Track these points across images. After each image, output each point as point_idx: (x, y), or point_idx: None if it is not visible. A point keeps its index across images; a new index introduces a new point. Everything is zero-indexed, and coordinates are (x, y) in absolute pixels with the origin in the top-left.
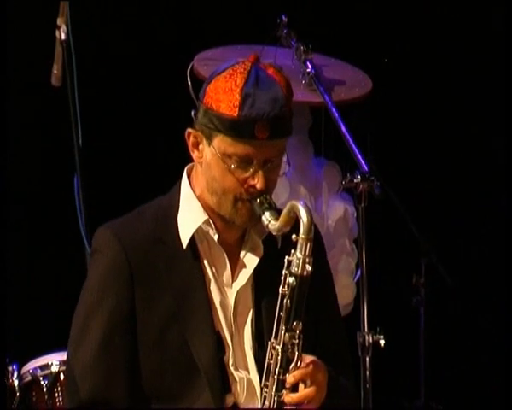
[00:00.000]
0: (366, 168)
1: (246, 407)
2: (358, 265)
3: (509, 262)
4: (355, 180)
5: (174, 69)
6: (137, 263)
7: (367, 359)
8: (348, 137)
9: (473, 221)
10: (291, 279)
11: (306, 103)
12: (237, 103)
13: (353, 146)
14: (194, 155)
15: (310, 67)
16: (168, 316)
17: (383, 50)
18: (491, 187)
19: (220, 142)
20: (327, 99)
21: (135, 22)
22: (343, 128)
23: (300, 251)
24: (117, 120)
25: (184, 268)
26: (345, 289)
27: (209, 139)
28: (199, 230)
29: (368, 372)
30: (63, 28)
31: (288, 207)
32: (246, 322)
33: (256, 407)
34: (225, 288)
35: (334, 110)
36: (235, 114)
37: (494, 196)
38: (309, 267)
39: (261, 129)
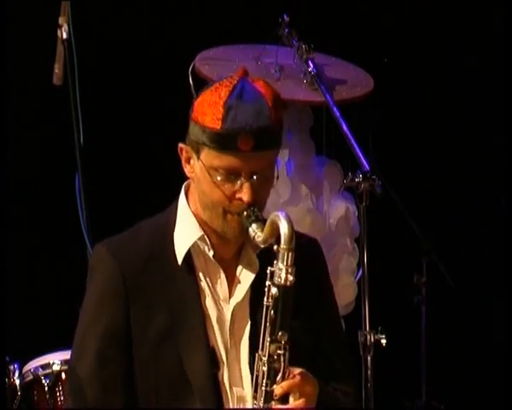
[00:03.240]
0: (367, 167)
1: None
2: (360, 264)
3: (510, 262)
4: (356, 179)
5: (176, 68)
6: (133, 280)
7: (368, 358)
8: (350, 136)
9: (473, 221)
10: (274, 290)
11: (308, 102)
12: (220, 116)
13: (355, 145)
14: (187, 169)
15: (311, 66)
16: (163, 332)
17: (384, 50)
18: (491, 187)
19: (207, 155)
20: (328, 98)
21: (136, 22)
22: (344, 127)
23: (282, 261)
24: (118, 119)
25: (180, 284)
26: (346, 289)
27: (197, 153)
28: (195, 246)
29: (369, 372)
30: (65, 27)
31: (270, 218)
32: (243, 337)
33: None
34: (222, 303)
35: (335, 109)
36: (219, 127)
37: (494, 196)
38: (291, 277)
39: (244, 141)
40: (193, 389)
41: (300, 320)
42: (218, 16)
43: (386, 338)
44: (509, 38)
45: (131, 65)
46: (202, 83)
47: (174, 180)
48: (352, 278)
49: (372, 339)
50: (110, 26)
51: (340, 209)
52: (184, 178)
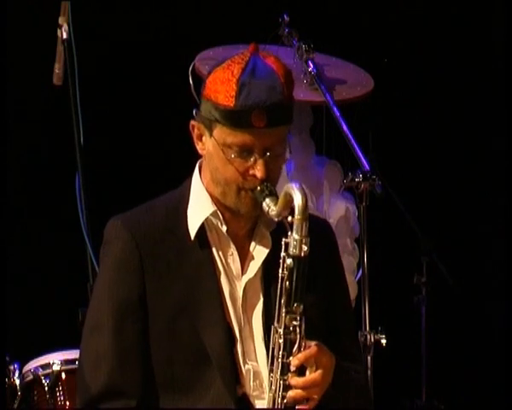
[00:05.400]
0: (367, 167)
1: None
2: (360, 264)
3: (510, 262)
4: (356, 179)
5: (176, 68)
6: (147, 252)
7: (368, 358)
8: (350, 136)
9: (473, 221)
10: (289, 261)
11: (308, 102)
12: (233, 93)
13: (355, 145)
14: (199, 146)
15: (311, 66)
16: (178, 305)
17: (384, 49)
18: (491, 187)
19: (220, 132)
20: (328, 98)
21: (136, 21)
22: (344, 127)
23: (297, 232)
24: (118, 118)
25: (195, 259)
26: None
27: (210, 130)
28: (208, 221)
29: (369, 371)
30: (65, 27)
31: (283, 190)
32: (256, 313)
33: (264, 397)
34: (235, 280)
35: (335, 109)
36: (232, 104)
37: (494, 196)
38: (306, 248)
39: (258, 117)
40: (211, 360)
41: (312, 298)
42: (218, 16)
43: (386, 338)
44: (509, 39)
45: (131, 65)
46: (202, 83)
47: (174, 179)
48: (352, 278)
49: (372, 339)
50: (110, 26)
51: (340, 209)
52: (185, 177)
